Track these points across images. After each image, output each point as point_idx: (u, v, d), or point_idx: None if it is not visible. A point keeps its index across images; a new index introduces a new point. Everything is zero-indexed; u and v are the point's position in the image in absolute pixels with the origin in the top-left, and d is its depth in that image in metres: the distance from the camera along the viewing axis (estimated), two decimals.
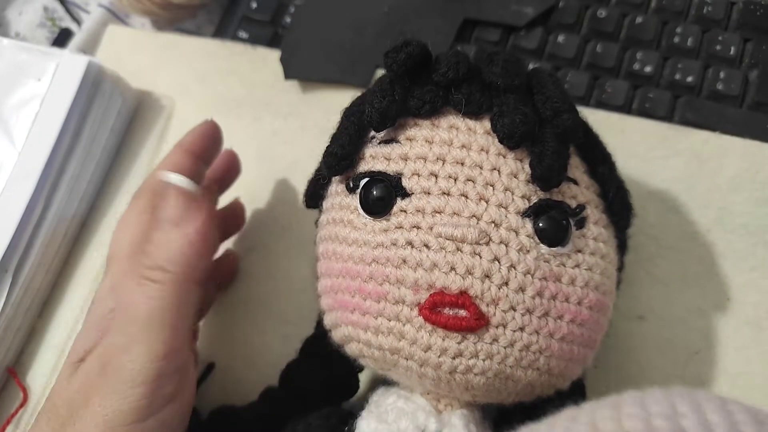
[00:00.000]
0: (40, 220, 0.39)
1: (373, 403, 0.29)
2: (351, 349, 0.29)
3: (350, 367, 0.32)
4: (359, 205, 0.28)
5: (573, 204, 0.27)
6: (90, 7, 0.51)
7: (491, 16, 0.43)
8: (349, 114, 0.29)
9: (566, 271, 0.26)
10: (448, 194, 0.26)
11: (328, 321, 0.30)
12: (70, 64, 0.40)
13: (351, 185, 0.28)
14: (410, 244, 0.26)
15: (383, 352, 0.27)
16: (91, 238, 0.42)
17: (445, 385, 0.27)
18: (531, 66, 0.41)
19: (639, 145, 0.38)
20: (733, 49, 0.40)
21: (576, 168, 0.28)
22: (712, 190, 0.37)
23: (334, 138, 0.29)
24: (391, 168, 0.27)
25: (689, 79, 0.40)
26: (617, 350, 0.35)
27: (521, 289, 0.25)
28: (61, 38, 0.50)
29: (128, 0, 0.46)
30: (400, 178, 0.27)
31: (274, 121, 0.43)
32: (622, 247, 0.31)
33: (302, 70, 0.43)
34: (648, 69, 0.41)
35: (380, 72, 0.42)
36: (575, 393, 0.30)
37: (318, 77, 0.43)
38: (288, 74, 0.43)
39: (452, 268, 0.25)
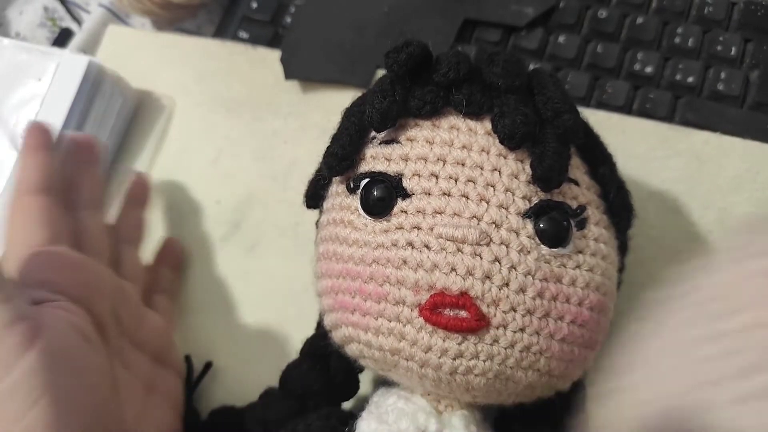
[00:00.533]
0: None
1: (373, 404, 0.29)
2: (351, 350, 0.29)
3: (350, 368, 0.32)
4: (360, 206, 0.28)
5: (574, 205, 0.27)
6: (90, 7, 0.51)
7: (491, 17, 0.43)
8: (349, 114, 0.29)
9: (567, 272, 0.26)
10: (449, 195, 0.26)
11: (328, 322, 0.30)
12: (71, 64, 0.40)
13: (351, 186, 0.28)
14: (411, 244, 0.26)
15: (384, 352, 0.27)
16: None
17: (445, 386, 0.27)
18: (531, 66, 0.42)
19: (639, 145, 0.38)
20: (734, 49, 0.40)
21: (577, 169, 0.28)
22: (712, 190, 0.37)
23: (335, 138, 0.29)
24: (391, 168, 0.27)
25: (690, 79, 0.40)
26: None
27: (522, 290, 0.25)
28: (62, 38, 0.50)
29: (128, 0, 0.46)
30: (401, 179, 0.27)
31: (274, 121, 0.43)
32: (622, 248, 0.31)
33: (302, 70, 0.43)
34: (649, 69, 0.41)
35: (380, 72, 0.42)
36: (576, 394, 0.30)
37: (318, 77, 0.43)
38: (288, 74, 0.43)
39: (453, 269, 0.25)
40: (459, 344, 0.25)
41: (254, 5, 0.46)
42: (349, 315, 0.27)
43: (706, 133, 0.38)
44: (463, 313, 0.25)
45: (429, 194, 0.26)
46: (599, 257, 0.27)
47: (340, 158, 0.28)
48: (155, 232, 0.41)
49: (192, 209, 0.42)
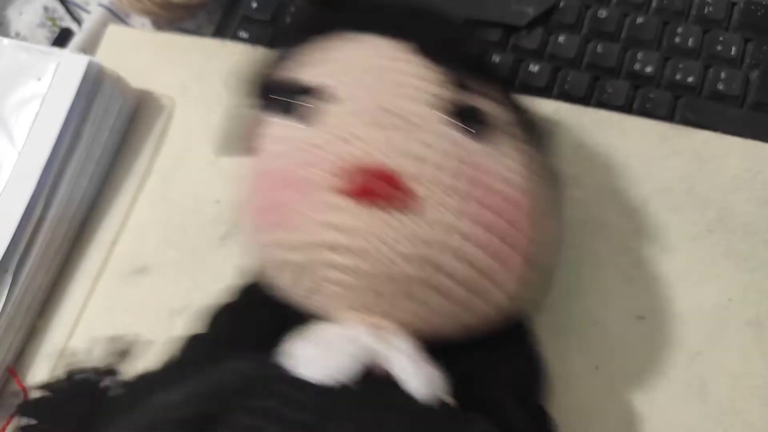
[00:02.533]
0: (40, 220, 0.39)
1: (308, 332, 0.27)
2: (273, 269, 0.29)
3: (281, 322, 0.29)
4: (283, 116, 0.29)
5: (487, 109, 0.29)
6: (90, 7, 0.51)
7: (491, 16, 0.43)
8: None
9: (482, 161, 0.27)
10: (370, 96, 0.28)
11: (256, 261, 0.30)
12: (71, 64, 0.40)
13: (277, 102, 0.29)
14: (331, 138, 0.27)
15: (307, 252, 0.27)
16: (91, 238, 0.42)
17: (379, 283, 0.26)
18: (532, 67, 0.42)
19: (639, 145, 0.38)
20: (734, 49, 0.40)
21: (489, 90, 0.30)
22: (712, 190, 0.37)
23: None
24: (316, 78, 0.29)
25: (690, 79, 0.40)
26: (617, 350, 0.35)
27: (440, 168, 0.26)
28: (61, 38, 0.50)
29: (128, 0, 0.46)
30: (324, 86, 0.28)
31: None
32: (552, 176, 0.31)
33: None
34: (649, 69, 0.41)
35: None
36: (516, 336, 0.30)
37: None
38: None
39: (372, 150, 0.26)
40: (385, 222, 0.25)
41: (254, 5, 0.46)
42: (267, 226, 0.28)
43: (706, 132, 0.38)
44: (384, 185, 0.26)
45: (352, 99, 0.28)
46: (511, 159, 0.28)
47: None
48: (155, 233, 0.41)
49: (192, 209, 0.42)
